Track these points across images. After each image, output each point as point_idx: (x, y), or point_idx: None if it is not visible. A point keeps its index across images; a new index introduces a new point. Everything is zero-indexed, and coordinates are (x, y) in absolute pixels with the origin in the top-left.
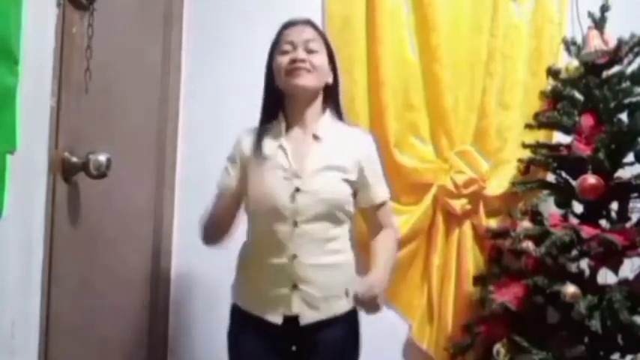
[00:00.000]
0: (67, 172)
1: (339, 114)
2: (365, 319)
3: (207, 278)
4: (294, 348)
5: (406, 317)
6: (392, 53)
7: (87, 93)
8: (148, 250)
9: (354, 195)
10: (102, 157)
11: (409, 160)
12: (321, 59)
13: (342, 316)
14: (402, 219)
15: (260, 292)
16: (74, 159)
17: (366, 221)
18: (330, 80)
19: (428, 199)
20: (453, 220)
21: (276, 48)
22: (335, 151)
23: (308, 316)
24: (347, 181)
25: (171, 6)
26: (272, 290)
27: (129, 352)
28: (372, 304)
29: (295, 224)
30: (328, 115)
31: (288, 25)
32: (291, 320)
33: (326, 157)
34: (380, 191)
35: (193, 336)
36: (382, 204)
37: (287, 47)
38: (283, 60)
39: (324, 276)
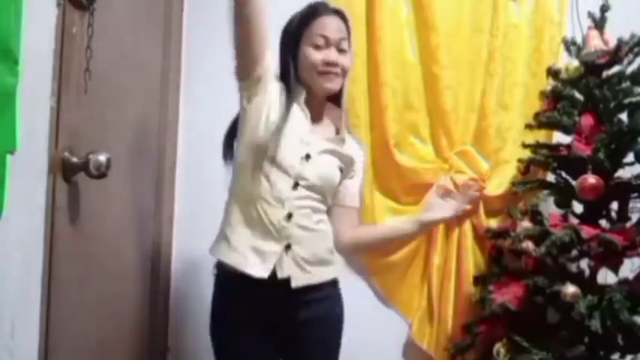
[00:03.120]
0: (67, 172)
1: (338, 100)
2: (365, 319)
3: (207, 278)
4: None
5: (406, 317)
6: (392, 53)
7: (87, 93)
8: (147, 250)
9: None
10: (102, 157)
11: (409, 160)
12: (349, 60)
13: (328, 282)
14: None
15: (249, 245)
16: (74, 159)
17: (333, 219)
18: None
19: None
20: (453, 220)
21: (304, 34)
22: (341, 142)
23: (299, 279)
24: (341, 170)
25: (171, 6)
26: (263, 243)
27: (129, 352)
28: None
29: (296, 185)
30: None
31: (322, 11)
32: (281, 284)
33: (334, 142)
34: (356, 197)
35: (193, 336)
36: (352, 208)
37: (320, 41)
38: (316, 57)
39: (313, 240)
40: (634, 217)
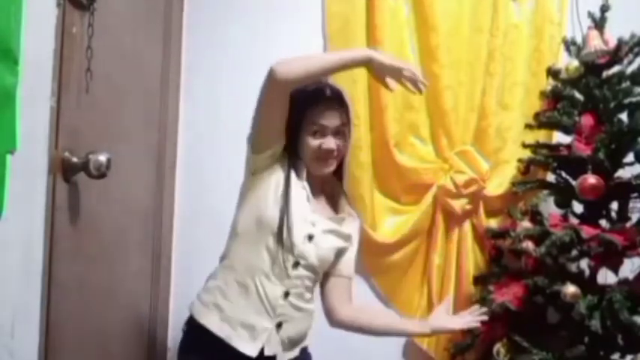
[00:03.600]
0: (67, 172)
1: (339, 174)
2: None
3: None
4: None
5: (406, 317)
6: (392, 53)
7: (87, 93)
8: (147, 250)
9: None
10: (102, 157)
11: (409, 160)
12: (346, 143)
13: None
14: (402, 219)
15: (242, 318)
16: (74, 159)
17: (328, 290)
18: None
19: (428, 199)
20: (453, 220)
21: (304, 119)
22: (341, 221)
23: (283, 357)
24: (339, 251)
25: (172, 6)
26: (256, 319)
27: (129, 352)
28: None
29: (296, 265)
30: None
31: (322, 99)
32: (265, 358)
33: (335, 221)
34: (352, 266)
35: None
36: (350, 278)
37: (318, 130)
38: (314, 145)
39: (302, 319)
40: (634, 217)
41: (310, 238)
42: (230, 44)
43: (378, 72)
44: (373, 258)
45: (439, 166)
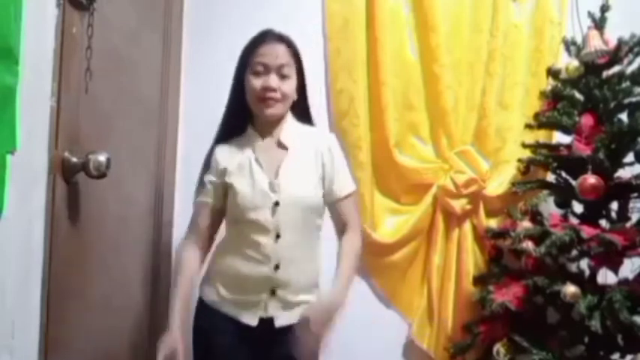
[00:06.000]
0: (67, 172)
1: (308, 121)
2: (365, 319)
3: None
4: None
5: (406, 317)
6: (392, 53)
7: (87, 93)
8: (147, 250)
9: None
10: (102, 157)
11: (409, 160)
12: (291, 85)
13: None
14: (402, 219)
15: (237, 297)
16: (74, 159)
17: (333, 219)
18: (295, 96)
19: (428, 199)
20: (453, 220)
21: (248, 63)
22: (301, 155)
23: (283, 319)
24: (318, 181)
25: (172, 6)
26: (250, 296)
27: (129, 352)
28: (316, 336)
29: (277, 236)
30: (290, 119)
31: (261, 40)
32: (265, 321)
33: (295, 163)
34: (343, 184)
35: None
36: (345, 197)
37: (260, 68)
38: (256, 84)
39: (300, 280)
40: (634, 217)
41: (277, 204)
42: (230, 43)
43: None
44: (373, 258)
45: (439, 166)
